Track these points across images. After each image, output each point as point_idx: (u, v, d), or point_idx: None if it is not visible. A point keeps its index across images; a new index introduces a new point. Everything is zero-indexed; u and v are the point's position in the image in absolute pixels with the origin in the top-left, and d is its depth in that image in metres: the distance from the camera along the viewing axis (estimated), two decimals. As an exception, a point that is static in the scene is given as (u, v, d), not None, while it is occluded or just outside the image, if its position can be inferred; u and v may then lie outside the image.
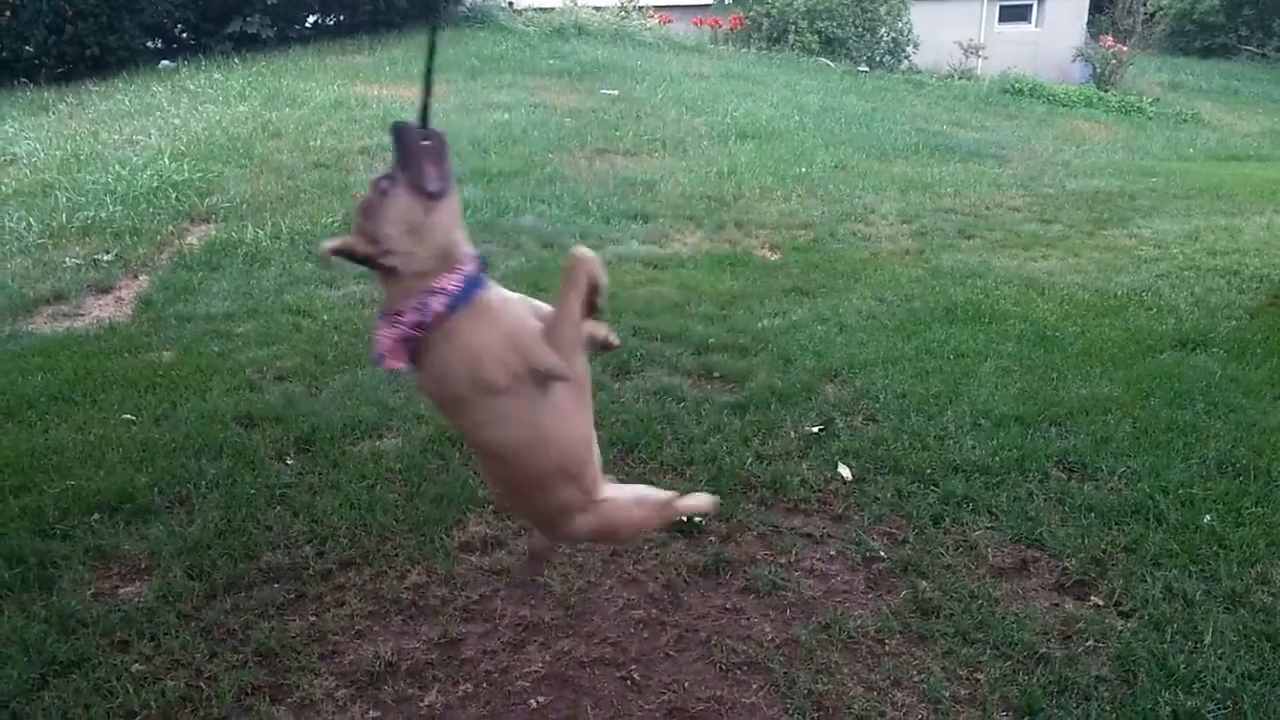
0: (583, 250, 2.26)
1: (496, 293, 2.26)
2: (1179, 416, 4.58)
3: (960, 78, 18.06)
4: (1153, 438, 4.37)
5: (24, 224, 7.01)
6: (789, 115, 12.28)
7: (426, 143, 2.17)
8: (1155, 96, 18.35)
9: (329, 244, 2.13)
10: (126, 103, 11.04)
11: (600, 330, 2.50)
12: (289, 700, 2.86)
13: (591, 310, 2.28)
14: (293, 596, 3.28)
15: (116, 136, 9.55)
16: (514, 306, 2.28)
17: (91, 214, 7.24)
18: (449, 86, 12.18)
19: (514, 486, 2.40)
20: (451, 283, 2.16)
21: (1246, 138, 15.45)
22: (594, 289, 2.26)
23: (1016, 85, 16.92)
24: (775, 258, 7.21)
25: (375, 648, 3.06)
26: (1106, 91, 18.19)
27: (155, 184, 7.89)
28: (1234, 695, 2.87)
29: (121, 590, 3.30)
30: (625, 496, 2.51)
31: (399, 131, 2.16)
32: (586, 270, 2.25)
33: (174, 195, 7.73)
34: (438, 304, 2.14)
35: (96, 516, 3.65)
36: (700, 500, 2.75)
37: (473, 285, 2.19)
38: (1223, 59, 25.61)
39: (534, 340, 2.21)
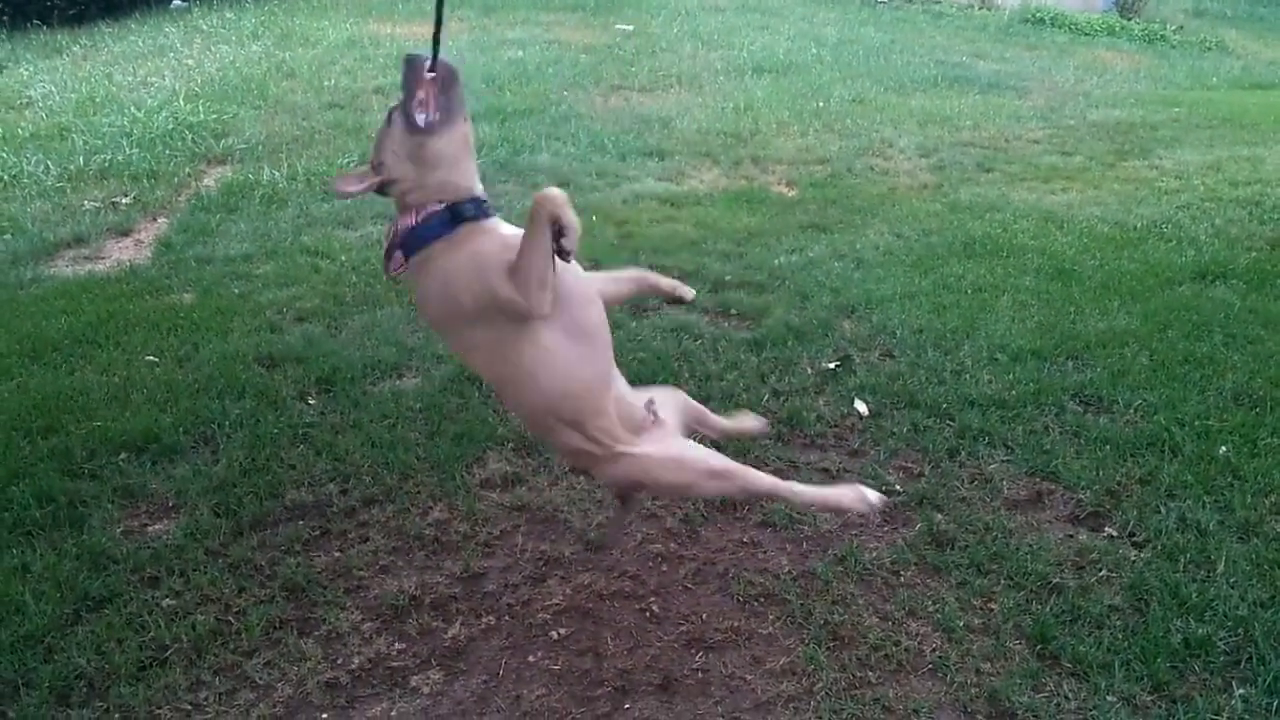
0: (550, 190, 2.26)
1: (490, 225, 2.37)
2: (1197, 349, 4.57)
3: (980, 7, 17.73)
4: (1170, 370, 4.37)
5: (42, 167, 7.04)
6: (806, 48, 12.14)
7: (431, 75, 2.23)
8: (1179, 24, 18.01)
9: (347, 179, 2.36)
10: (140, 44, 11.01)
11: (664, 283, 2.60)
12: (316, 633, 2.92)
13: (559, 253, 2.28)
14: (318, 533, 3.34)
15: (131, 78, 9.53)
16: (494, 239, 2.34)
17: (108, 157, 7.26)
18: (462, 24, 12.08)
19: (521, 417, 2.51)
20: (430, 209, 2.31)
21: (1272, 65, 15.16)
22: (559, 229, 2.23)
23: (1038, 14, 16.63)
24: (792, 194, 7.18)
25: (399, 582, 3.12)
26: (1130, 20, 17.85)
27: (171, 126, 7.90)
28: (1245, 623, 2.91)
29: (150, 528, 3.37)
30: (659, 456, 2.52)
31: (407, 63, 2.25)
32: (549, 209, 2.22)
33: (190, 137, 7.74)
34: (403, 225, 2.33)
35: (123, 456, 3.72)
36: (749, 423, 2.85)
37: (459, 216, 2.31)
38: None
39: (496, 271, 2.26)
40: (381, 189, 2.35)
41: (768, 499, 2.78)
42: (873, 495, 2.65)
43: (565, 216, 2.21)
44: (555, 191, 2.24)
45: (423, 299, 2.40)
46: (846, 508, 2.71)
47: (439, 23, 2.31)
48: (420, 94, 2.26)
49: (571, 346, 2.37)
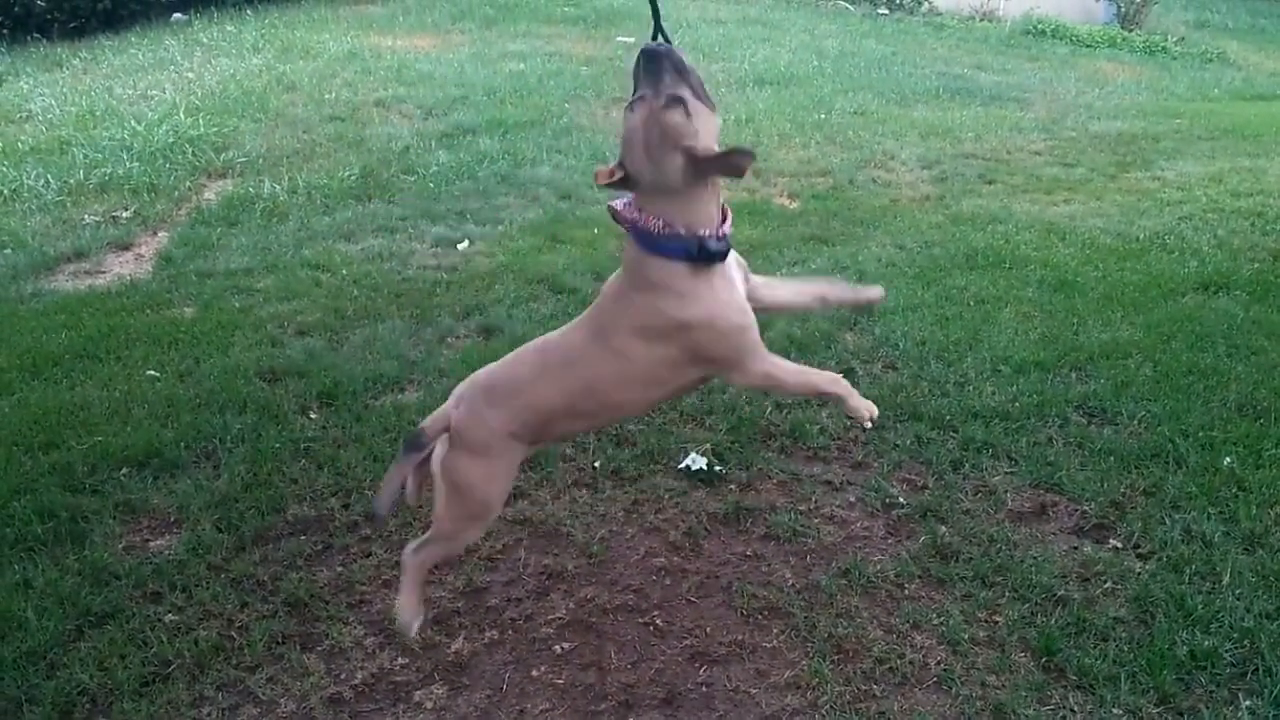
0: (850, 391, 2.54)
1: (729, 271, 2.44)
2: (1200, 360, 4.56)
3: (982, 19, 17.77)
4: (1173, 381, 4.36)
5: (42, 181, 7.05)
6: (807, 60, 12.16)
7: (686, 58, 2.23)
8: (1180, 36, 18.04)
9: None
10: (140, 57, 11.03)
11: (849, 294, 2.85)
12: (319, 648, 2.91)
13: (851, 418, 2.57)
14: (320, 548, 3.34)
15: (131, 91, 9.55)
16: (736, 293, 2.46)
17: (109, 170, 7.27)
18: (464, 36, 12.12)
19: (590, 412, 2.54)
20: (725, 231, 2.32)
21: (1273, 76, 15.19)
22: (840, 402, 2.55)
23: (1039, 26, 16.67)
24: (794, 206, 7.18)
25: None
26: (1131, 31, 17.88)
27: (171, 139, 7.91)
28: (1251, 635, 2.89)
29: (152, 543, 3.36)
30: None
31: (656, 54, 2.20)
32: (842, 392, 2.54)
33: (190, 150, 7.75)
34: (720, 244, 2.30)
35: (125, 471, 3.71)
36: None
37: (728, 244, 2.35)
38: (1250, -4, 25.10)
39: (759, 346, 2.50)
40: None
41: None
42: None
43: (856, 405, 2.53)
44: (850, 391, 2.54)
45: (638, 290, 2.36)
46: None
47: (656, 11, 2.33)
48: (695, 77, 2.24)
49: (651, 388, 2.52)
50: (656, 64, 2.19)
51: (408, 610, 2.67)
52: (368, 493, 3.60)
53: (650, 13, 2.34)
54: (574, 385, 2.44)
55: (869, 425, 2.54)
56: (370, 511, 3.12)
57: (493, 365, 2.58)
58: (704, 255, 2.28)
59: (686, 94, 2.18)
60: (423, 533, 2.76)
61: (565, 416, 2.52)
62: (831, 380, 2.55)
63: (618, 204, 2.33)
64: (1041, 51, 15.09)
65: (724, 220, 2.32)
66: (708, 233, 2.27)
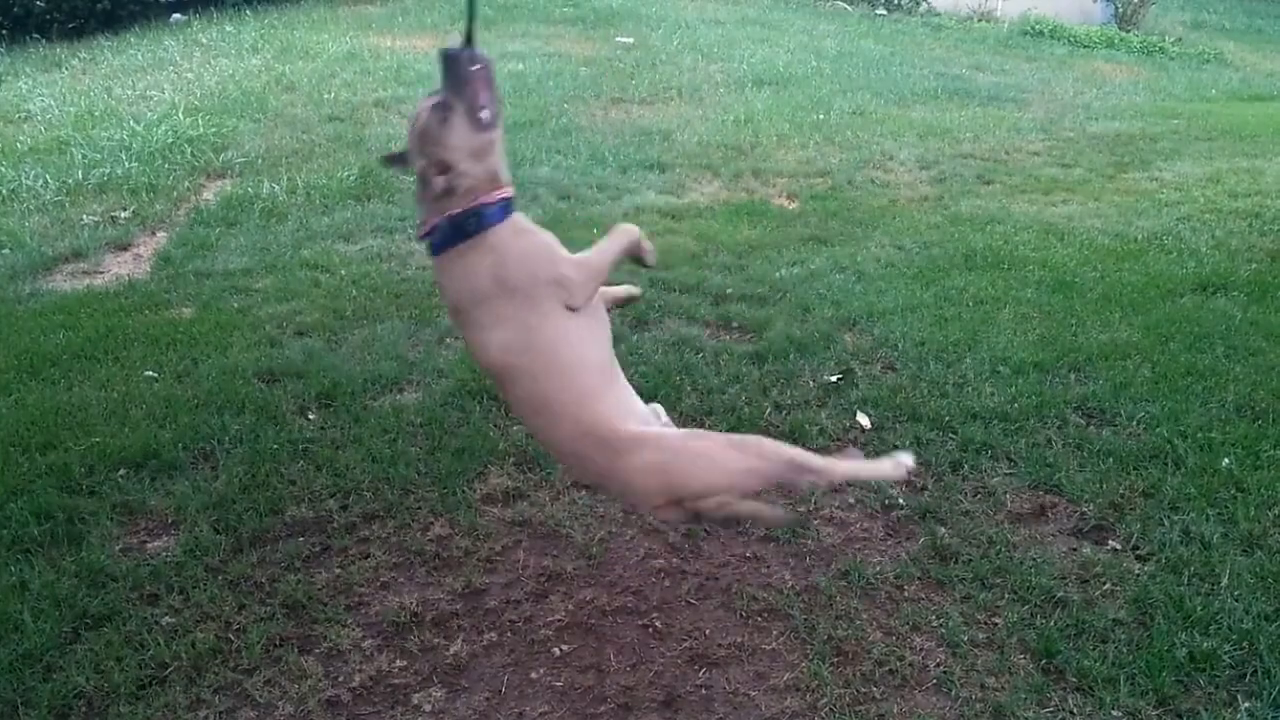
0: (632, 226, 2.62)
1: (523, 218, 2.51)
2: (1198, 361, 4.56)
3: (980, 20, 17.77)
4: (1172, 382, 4.36)
5: (41, 182, 7.03)
6: (806, 61, 12.16)
7: (476, 68, 2.28)
8: (1178, 36, 18.04)
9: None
10: (139, 57, 11.02)
11: (618, 291, 2.75)
12: (317, 651, 2.91)
13: (642, 264, 2.69)
14: (318, 549, 3.33)
15: (130, 92, 9.54)
16: (540, 232, 2.51)
17: (108, 171, 7.25)
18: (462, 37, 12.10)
19: (537, 411, 2.49)
20: (485, 199, 2.39)
21: (1270, 77, 15.19)
22: (637, 249, 2.61)
23: (1037, 26, 16.67)
24: (793, 206, 7.18)
25: (400, 599, 3.10)
26: (1128, 32, 17.88)
27: (170, 139, 7.90)
28: (1250, 636, 2.89)
29: (149, 545, 3.35)
30: (681, 445, 2.46)
31: (452, 58, 2.32)
32: (634, 237, 2.61)
33: (189, 151, 7.73)
34: (490, 210, 2.40)
35: (122, 472, 3.70)
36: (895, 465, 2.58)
37: (509, 207, 2.44)
38: (1247, -4, 25.11)
39: (559, 258, 2.43)
40: (423, 179, 2.43)
41: (816, 480, 2.54)
42: (907, 459, 2.57)
43: (646, 245, 2.63)
44: (635, 228, 2.63)
45: (466, 276, 2.42)
46: (887, 476, 2.66)
47: (472, 14, 2.36)
48: (483, 90, 2.34)
49: (585, 326, 2.46)
50: (447, 66, 2.34)
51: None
52: (366, 494, 3.60)
53: (467, 14, 2.44)
54: None
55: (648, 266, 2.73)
56: None
57: None
58: (459, 233, 2.41)
59: (458, 103, 2.33)
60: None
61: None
62: (625, 230, 2.64)
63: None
64: (1039, 52, 15.09)
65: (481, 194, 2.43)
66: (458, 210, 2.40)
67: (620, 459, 2.38)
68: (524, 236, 2.44)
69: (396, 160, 2.51)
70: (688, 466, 2.39)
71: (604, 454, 2.41)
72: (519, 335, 2.39)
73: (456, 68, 2.31)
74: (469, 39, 2.36)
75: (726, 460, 2.40)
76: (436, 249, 2.43)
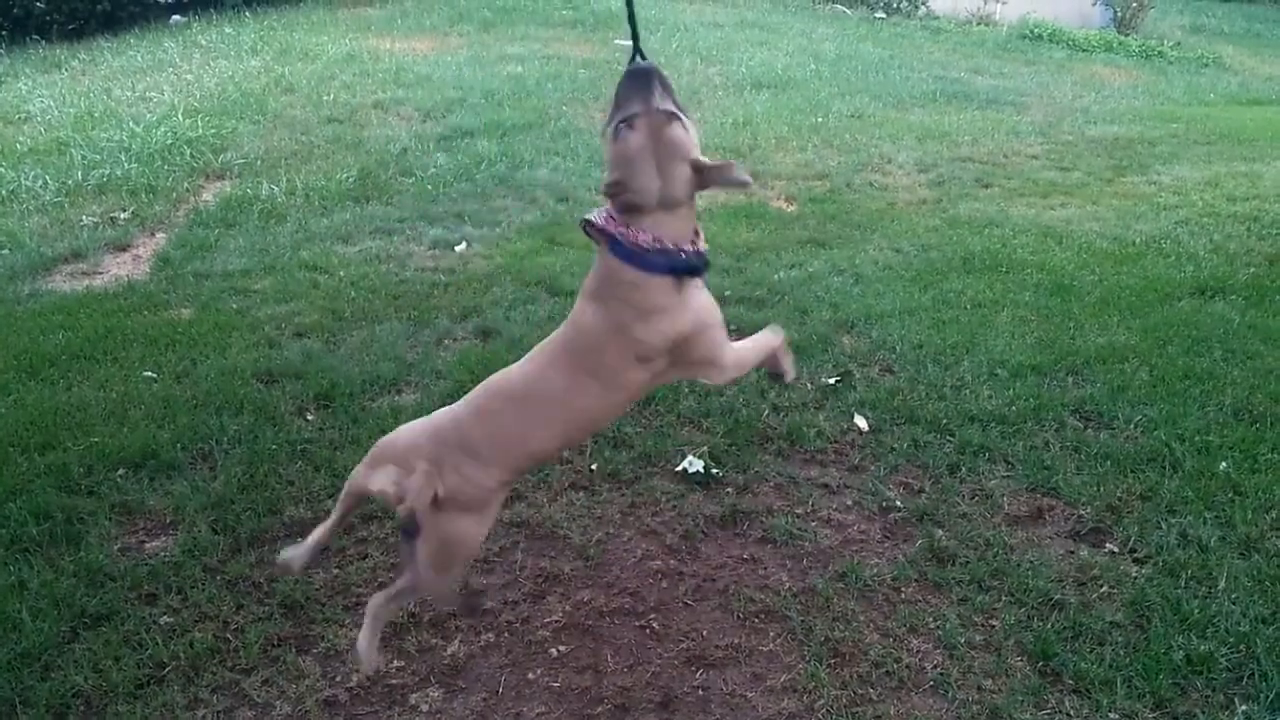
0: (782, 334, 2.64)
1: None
2: (1196, 364, 4.57)
3: (979, 23, 17.80)
4: (1169, 385, 4.37)
5: (40, 182, 7.04)
6: (805, 64, 12.17)
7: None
8: (1176, 40, 18.07)
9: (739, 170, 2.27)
10: (139, 59, 11.02)
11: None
12: (314, 651, 2.91)
13: (776, 378, 2.72)
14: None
15: (129, 93, 9.54)
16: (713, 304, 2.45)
17: (107, 172, 7.26)
18: (462, 39, 12.12)
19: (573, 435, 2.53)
20: (686, 245, 2.29)
21: (1269, 81, 15.22)
22: (776, 361, 2.65)
23: (1035, 30, 16.69)
24: (791, 209, 7.18)
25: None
26: (1127, 36, 17.91)
27: (169, 141, 7.91)
28: (1247, 639, 2.89)
29: (148, 545, 3.36)
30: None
31: (649, 72, 2.21)
32: (780, 345, 2.63)
33: (188, 152, 7.74)
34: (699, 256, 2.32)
35: (121, 472, 3.70)
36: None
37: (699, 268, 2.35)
38: (1246, 1, 25.15)
39: (717, 337, 2.41)
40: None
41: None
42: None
43: (786, 359, 2.67)
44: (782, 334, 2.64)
45: (683, 310, 2.32)
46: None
47: (634, 28, 2.33)
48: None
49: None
50: (646, 81, 2.20)
51: (370, 654, 2.45)
52: (364, 495, 3.59)
53: (629, 32, 2.33)
54: (571, 419, 2.40)
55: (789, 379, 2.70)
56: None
57: (439, 420, 2.42)
58: (690, 270, 2.29)
59: (677, 109, 2.21)
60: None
61: (559, 449, 2.55)
62: (775, 335, 2.63)
63: (596, 218, 2.29)
64: (1038, 55, 15.11)
65: (697, 235, 2.34)
66: (691, 247, 2.29)
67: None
68: (710, 307, 2.40)
69: (614, 193, 2.23)
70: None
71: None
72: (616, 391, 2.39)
73: (657, 78, 2.21)
74: (638, 50, 2.28)
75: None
76: (659, 269, 2.25)
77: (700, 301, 2.35)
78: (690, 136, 2.21)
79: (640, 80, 2.20)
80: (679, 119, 2.19)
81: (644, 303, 2.27)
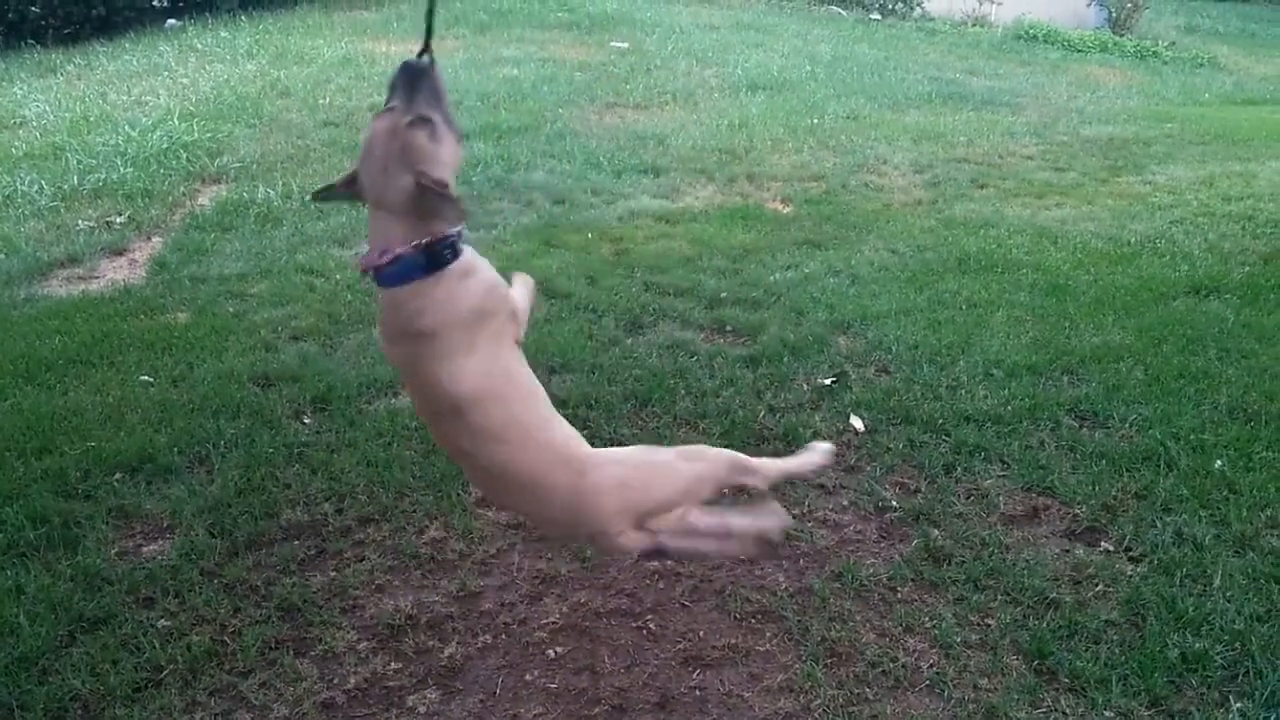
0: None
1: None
2: (1191, 363, 4.58)
3: (974, 24, 17.81)
4: (1164, 384, 4.38)
5: (36, 187, 7.03)
6: (800, 65, 12.18)
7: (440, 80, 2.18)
8: (1171, 40, 18.08)
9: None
10: (134, 63, 11.01)
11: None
12: (312, 653, 2.91)
13: None
14: (313, 553, 3.34)
15: (125, 97, 9.54)
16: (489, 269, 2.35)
17: (103, 176, 7.25)
18: (458, 41, 12.12)
19: (492, 438, 2.29)
20: (445, 232, 2.18)
21: (1264, 81, 15.24)
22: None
23: (1030, 31, 16.69)
24: (787, 210, 7.19)
25: (395, 601, 3.11)
26: (1122, 36, 17.92)
27: (165, 145, 7.90)
28: (1242, 637, 2.91)
29: (145, 549, 3.36)
30: (630, 459, 2.41)
31: (419, 70, 2.14)
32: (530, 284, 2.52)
33: (184, 156, 7.74)
34: (462, 237, 2.20)
35: (118, 477, 3.71)
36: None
37: (458, 243, 2.23)
38: (1240, 1, 25.19)
39: (508, 295, 2.32)
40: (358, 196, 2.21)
41: (755, 480, 2.53)
42: (825, 445, 2.64)
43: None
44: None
45: (445, 304, 2.21)
46: (816, 465, 2.67)
47: (430, 22, 2.27)
48: (446, 104, 2.18)
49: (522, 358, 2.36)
50: (414, 79, 2.14)
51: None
52: (361, 497, 3.60)
53: (425, 27, 2.26)
54: None
55: None
56: None
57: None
58: (434, 263, 2.17)
59: (437, 117, 2.14)
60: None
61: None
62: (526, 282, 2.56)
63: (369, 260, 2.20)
64: (1033, 56, 15.13)
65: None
66: (410, 248, 2.16)
67: (584, 478, 2.29)
68: (486, 267, 2.30)
69: (343, 189, 2.21)
70: (647, 478, 2.35)
71: (567, 473, 2.30)
72: (492, 361, 2.29)
73: (427, 80, 2.15)
74: (427, 49, 2.19)
75: (678, 468, 2.39)
76: (398, 278, 2.18)
77: (470, 272, 2.23)
78: (434, 149, 2.12)
79: (406, 76, 2.15)
80: (429, 125, 2.12)
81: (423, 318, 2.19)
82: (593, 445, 2.37)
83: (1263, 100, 13.54)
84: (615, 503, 2.30)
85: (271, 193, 7.04)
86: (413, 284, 2.16)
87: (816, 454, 2.63)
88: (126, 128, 8.32)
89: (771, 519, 2.50)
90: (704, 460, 2.43)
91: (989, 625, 3.02)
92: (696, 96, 10.45)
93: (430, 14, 2.25)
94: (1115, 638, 2.94)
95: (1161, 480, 3.68)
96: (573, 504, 2.31)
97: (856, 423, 4.14)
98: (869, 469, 3.84)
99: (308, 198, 2.33)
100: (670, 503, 2.34)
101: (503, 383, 2.27)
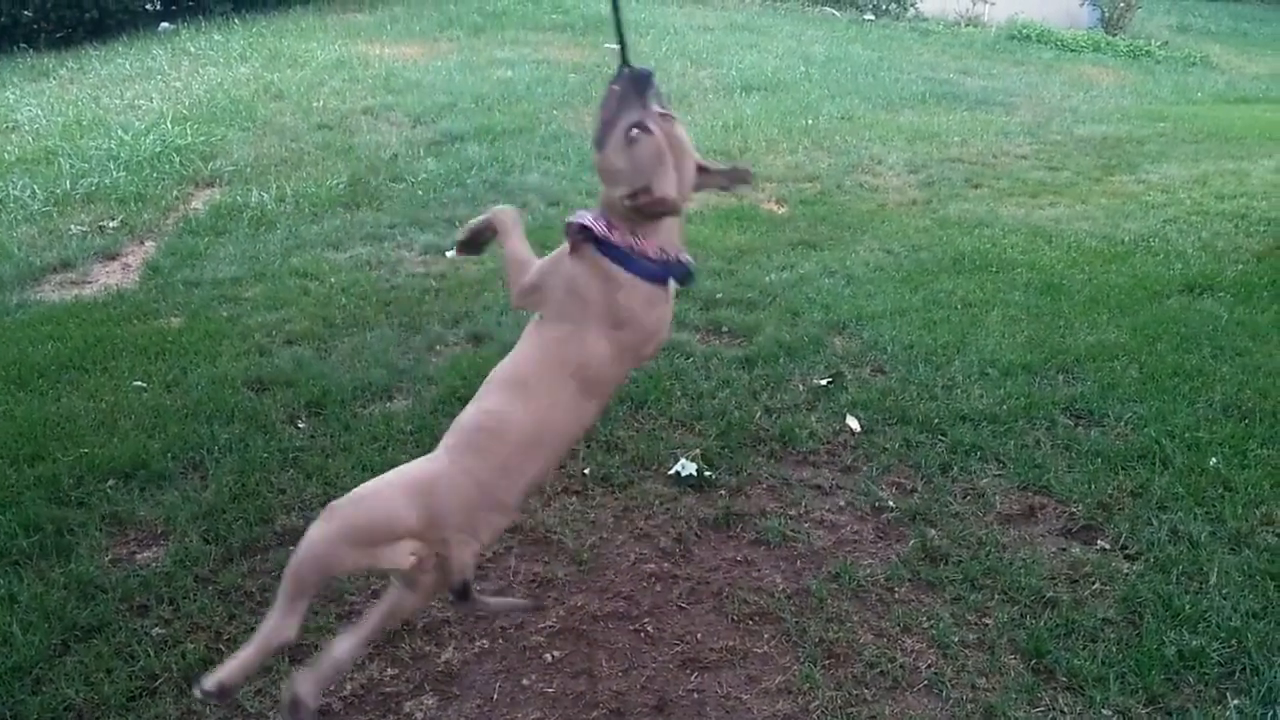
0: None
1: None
2: (1185, 361, 4.58)
3: (967, 24, 17.83)
4: (1159, 383, 4.38)
5: (28, 192, 7.02)
6: (794, 66, 12.18)
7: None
8: (1164, 39, 18.11)
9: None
10: (127, 66, 10.99)
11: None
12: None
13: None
14: (308, 557, 3.32)
15: (118, 101, 9.52)
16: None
17: (95, 180, 7.24)
18: (452, 44, 12.11)
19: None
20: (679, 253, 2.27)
21: (1256, 79, 15.27)
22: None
23: (1024, 31, 16.72)
24: (782, 211, 7.19)
25: (391, 606, 3.09)
26: (1115, 36, 17.96)
27: (158, 149, 7.88)
28: (1238, 634, 2.91)
29: (139, 556, 3.34)
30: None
31: (646, 76, 2.18)
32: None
33: (177, 160, 7.72)
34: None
35: (111, 483, 3.69)
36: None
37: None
38: (1232, 0, 25.24)
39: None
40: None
41: None
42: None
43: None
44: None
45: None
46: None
47: (621, 34, 2.29)
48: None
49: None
50: (647, 85, 2.17)
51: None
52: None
53: (618, 39, 2.30)
54: (572, 438, 2.39)
55: None
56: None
57: (452, 482, 2.22)
58: (683, 279, 2.28)
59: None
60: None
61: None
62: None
63: (586, 220, 2.23)
64: (1026, 56, 15.15)
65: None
66: (677, 255, 2.26)
67: None
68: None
69: (641, 201, 2.15)
70: None
71: None
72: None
73: (651, 83, 2.18)
74: (625, 60, 2.25)
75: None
76: (663, 276, 2.24)
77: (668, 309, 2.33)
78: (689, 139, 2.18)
79: (641, 84, 2.17)
80: (677, 121, 2.18)
81: (631, 307, 2.22)
82: (588, 448, 2.38)
83: (1255, 99, 13.56)
84: None
85: (265, 196, 7.03)
86: (646, 284, 2.23)
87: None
88: (119, 132, 8.31)
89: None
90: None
91: (986, 624, 3.01)
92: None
93: (619, 23, 2.31)
94: (1112, 636, 2.94)
95: (1157, 478, 3.69)
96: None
97: (852, 423, 4.13)
98: (865, 469, 3.83)
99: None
100: None
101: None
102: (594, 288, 2.22)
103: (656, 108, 2.16)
